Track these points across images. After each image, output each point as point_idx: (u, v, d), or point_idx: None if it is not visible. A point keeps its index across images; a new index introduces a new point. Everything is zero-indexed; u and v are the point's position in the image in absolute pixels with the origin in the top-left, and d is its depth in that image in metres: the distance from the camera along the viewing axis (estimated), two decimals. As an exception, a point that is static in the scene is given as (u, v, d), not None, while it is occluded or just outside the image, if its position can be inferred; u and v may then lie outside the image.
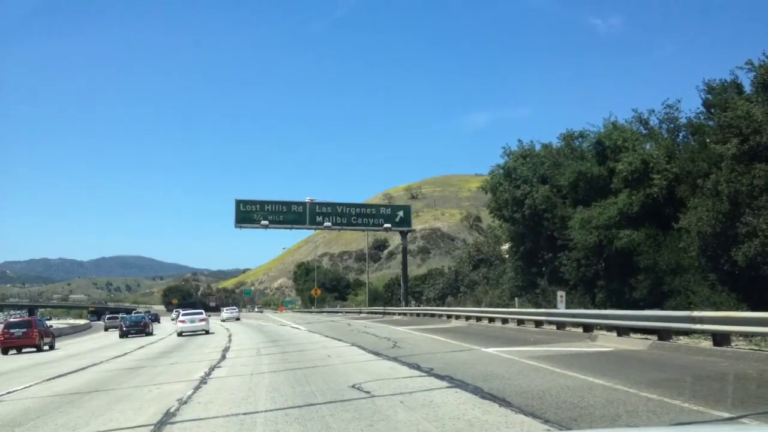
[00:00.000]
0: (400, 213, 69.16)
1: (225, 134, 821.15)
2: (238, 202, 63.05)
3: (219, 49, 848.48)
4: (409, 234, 77.51)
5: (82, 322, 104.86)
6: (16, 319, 50.01)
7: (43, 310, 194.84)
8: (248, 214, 62.95)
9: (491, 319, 37.23)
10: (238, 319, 78.19)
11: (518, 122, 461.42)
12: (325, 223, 65.14)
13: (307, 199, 64.80)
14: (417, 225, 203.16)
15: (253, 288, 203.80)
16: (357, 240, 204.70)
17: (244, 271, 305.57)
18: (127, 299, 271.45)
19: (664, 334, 20.02)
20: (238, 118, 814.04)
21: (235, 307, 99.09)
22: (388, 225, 67.82)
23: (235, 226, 62.98)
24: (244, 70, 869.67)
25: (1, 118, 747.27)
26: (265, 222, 62.72)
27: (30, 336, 40.49)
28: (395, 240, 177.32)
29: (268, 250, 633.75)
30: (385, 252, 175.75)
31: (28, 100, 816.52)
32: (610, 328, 23.74)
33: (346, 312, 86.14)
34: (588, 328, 25.02)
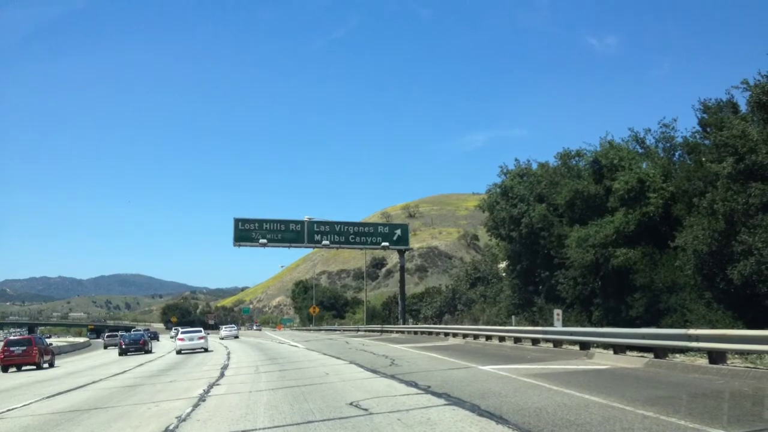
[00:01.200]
0: (398, 232, 69.18)
1: (223, 153, 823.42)
2: (237, 221, 63.01)
3: (218, 69, 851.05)
4: (407, 252, 77.81)
5: (81, 340, 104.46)
6: (16, 337, 50.03)
7: (43, 328, 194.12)
8: (247, 232, 62.93)
9: (488, 337, 37.18)
10: (236, 337, 78.64)
11: (515, 142, 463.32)
12: (323, 242, 65.11)
13: (305, 218, 64.89)
14: (414, 244, 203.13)
15: (251, 306, 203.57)
16: (355, 258, 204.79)
17: (243, 289, 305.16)
18: (127, 317, 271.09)
19: (660, 352, 20.10)
20: (237, 137, 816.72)
21: (233, 325, 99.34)
22: (386, 243, 67.70)
23: (234, 245, 62.83)
24: (242, 90, 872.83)
25: (2, 138, 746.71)
26: (264, 240, 62.58)
27: (30, 354, 40.60)
28: (393, 258, 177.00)
29: (267, 268, 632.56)
30: (383, 270, 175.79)
31: (28, 121, 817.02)
32: (606, 346, 23.84)
33: (344, 330, 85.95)
34: (585, 345, 25.10)
